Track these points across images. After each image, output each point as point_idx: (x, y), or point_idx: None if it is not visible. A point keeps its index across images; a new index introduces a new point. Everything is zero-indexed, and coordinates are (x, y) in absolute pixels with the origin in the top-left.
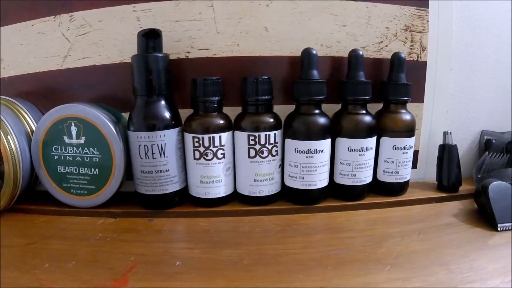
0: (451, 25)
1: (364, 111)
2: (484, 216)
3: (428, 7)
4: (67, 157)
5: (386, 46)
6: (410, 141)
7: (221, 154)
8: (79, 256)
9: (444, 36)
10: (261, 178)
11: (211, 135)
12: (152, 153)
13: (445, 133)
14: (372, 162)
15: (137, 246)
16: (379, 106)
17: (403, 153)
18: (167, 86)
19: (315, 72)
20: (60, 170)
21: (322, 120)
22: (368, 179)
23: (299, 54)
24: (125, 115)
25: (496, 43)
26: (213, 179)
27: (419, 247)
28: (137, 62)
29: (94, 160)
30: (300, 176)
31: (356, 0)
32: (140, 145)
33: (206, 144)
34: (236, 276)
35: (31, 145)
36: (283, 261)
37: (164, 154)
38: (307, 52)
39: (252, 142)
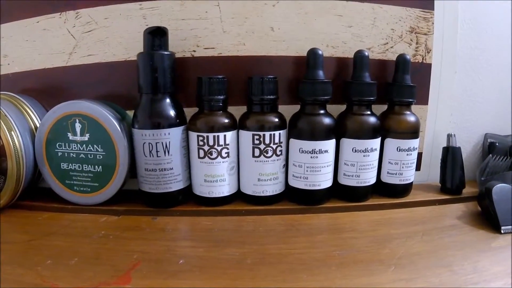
0: (456, 27)
1: (369, 112)
2: (488, 219)
3: (433, 9)
4: (71, 154)
5: (392, 47)
6: (414, 143)
7: (226, 153)
8: (81, 253)
9: (449, 39)
10: (265, 178)
11: (215, 134)
12: (157, 151)
13: (449, 135)
14: (376, 163)
15: (140, 244)
16: (384, 107)
17: (407, 154)
18: (172, 84)
19: (320, 72)
20: (63, 167)
21: (327, 121)
22: (372, 180)
23: (304, 54)
24: (130, 113)
25: (500, 46)
26: (217, 178)
27: (423, 249)
28: (143, 60)
29: (98, 158)
30: (304, 176)
31: (362, 1)
32: (144, 143)
33: (211, 143)
34: (239, 275)
35: (34, 141)
36: (286, 260)
37: (168, 152)
38: (312, 52)
39: (256, 142)
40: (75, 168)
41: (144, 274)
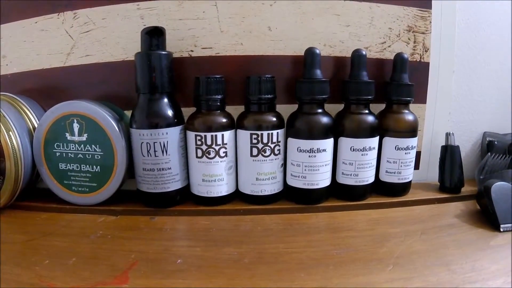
0: (454, 26)
1: (366, 111)
2: (487, 217)
3: (431, 8)
4: (69, 154)
5: (389, 46)
6: (412, 142)
7: (224, 152)
8: (79, 253)
9: (446, 38)
10: (264, 177)
11: (213, 133)
12: (154, 151)
13: (447, 134)
14: (374, 162)
15: (138, 244)
16: (382, 106)
17: (405, 153)
18: (170, 84)
19: (318, 72)
20: (61, 167)
21: (325, 120)
22: (371, 179)
23: (302, 53)
24: (128, 113)
25: (498, 45)
26: (215, 178)
27: (421, 247)
28: (141, 60)
29: (96, 158)
30: (303, 175)
31: (359, 1)
32: (142, 142)
33: (209, 142)
34: (237, 274)
35: (33, 142)
36: (284, 260)
37: (166, 152)
38: (310, 51)
39: (254, 141)
40: (73, 168)
41: (141, 274)
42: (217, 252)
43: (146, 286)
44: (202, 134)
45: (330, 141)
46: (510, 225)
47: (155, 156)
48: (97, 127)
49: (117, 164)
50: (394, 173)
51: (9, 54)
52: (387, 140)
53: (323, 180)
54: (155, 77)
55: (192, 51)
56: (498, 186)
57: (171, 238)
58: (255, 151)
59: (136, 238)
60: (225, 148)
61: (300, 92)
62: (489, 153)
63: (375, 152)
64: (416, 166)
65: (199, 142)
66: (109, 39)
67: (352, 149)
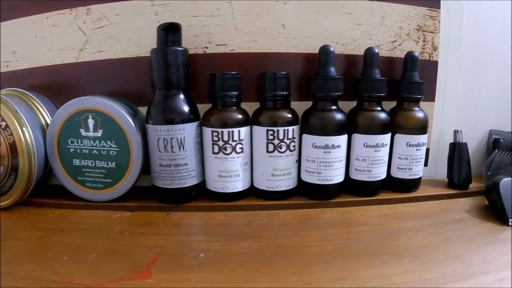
0: (461, 26)
1: (379, 108)
2: (495, 212)
3: (439, 8)
4: (83, 150)
5: (400, 45)
6: (423, 138)
7: (240, 148)
8: (98, 249)
9: (454, 37)
10: (279, 173)
11: (230, 130)
12: (172, 147)
13: (455, 132)
14: (386, 158)
15: (157, 239)
16: (392, 104)
17: (416, 150)
18: (186, 80)
19: (332, 69)
20: (75, 163)
21: (339, 116)
22: (383, 175)
23: (315, 51)
24: (141, 109)
25: (504, 44)
26: (232, 174)
27: (433, 241)
28: (157, 56)
29: (111, 154)
30: (317, 171)
31: (371, 0)
32: (159, 138)
33: (225, 138)
34: (258, 268)
35: (46, 137)
36: (302, 253)
37: (183, 147)
38: (324, 49)
39: (270, 137)
40: (87, 164)
41: (163, 269)
42: (236, 247)
43: (170, 280)
44: (219, 130)
45: (344, 137)
46: None
47: (172, 152)
48: (113, 123)
49: (132, 160)
50: (405, 169)
51: (19, 49)
52: (398, 137)
53: (337, 176)
54: (171, 73)
55: (206, 47)
56: (506, 182)
57: (189, 233)
58: (271, 147)
59: (154, 234)
60: (241, 144)
61: (315, 89)
62: (496, 150)
63: (387, 148)
64: (425, 163)
65: (215, 138)
66: (122, 35)
67: (365, 146)
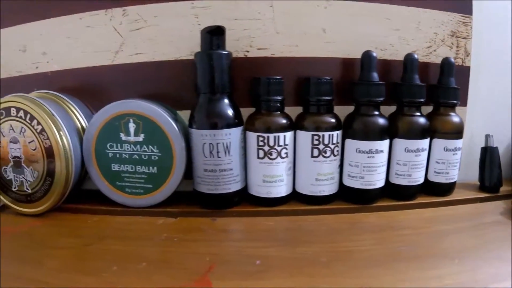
0: (493, 31)
1: (418, 113)
2: None
3: (471, 14)
4: (123, 154)
5: (435, 50)
6: (459, 143)
7: (285, 153)
8: (148, 257)
9: (486, 42)
10: (323, 178)
11: (276, 134)
12: (217, 152)
13: (487, 136)
14: (425, 163)
15: (208, 246)
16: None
17: (453, 154)
18: (230, 84)
19: (374, 74)
20: (114, 168)
21: (382, 121)
22: (421, 179)
23: (354, 56)
24: (180, 113)
25: None
26: (276, 178)
27: (476, 242)
28: (202, 59)
29: (153, 158)
30: (361, 176)
31: (408, 6)
32: (204, 143)
33: (271, 143)
34: (316, 273)
35: (82, 142)
36: (357, 257)
37: (229, 152)
38: (367, 54)
39: (316, 142)
40: (127, 169)
41: (221, 276)
42: (291, 252)
43: None
44: (265, 135)
45: (387, 142)
46: None
47: (218, 156)
48: (155, 128)
49: (175, 165)
50: (442, 173)
51: (49, 51)
52: (436, 142)
53: (379, 180)
54: (216, 77)
55: (247, 51)
56: None
57: (239, 239)
58: (316, 152)
59: (203, 240)
60: (286, 149)
61: (358, 94)
62: None
63: (426, 153)
64: None
65: (261, 143)
66: (161, 37)
67: (406, 150)
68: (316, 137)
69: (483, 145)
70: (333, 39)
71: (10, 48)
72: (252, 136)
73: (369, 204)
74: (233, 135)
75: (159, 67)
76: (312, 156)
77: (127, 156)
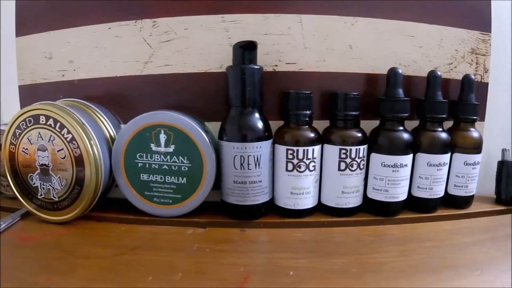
0: (510, 48)
1: (441, 129)
2: None
3: (490, 32)
4: (153, 165)
5: (455, 67)
6: (478, 157)
7: (313, 166)
8: (182, 268)
9: (504, 60)
10: (349, 191)
11: (305, 148)
12: (248, 164)
13: (503, 150)
14: (446, 176)
15: (240, 257)
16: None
17: (472, 168)
18: (261, 98)
19: (400, 91)
20: (143, 178)
21: (406, 136)
22: (442, 192)
23: (379, 72)
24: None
25: None
26: (304, 191)
27: (496, 254)
28: (234, 73)
29: (182, 169)
30: (385, 189)
31: (430, 24)
32: (235, 155)
33: (300, 157)
34: (349, 284)
35: (111, 151)
36: (386, 268)
37: (259, 165)
38: (393, 71)
39: (343, 156)
40: (156, 179)
41: (258, 287)
42: (322, 263)
43: None
44: (294, 148)
45: (410, 156)
46: None
47: (248, 169)
48: (186, 139)
49: (205, 176)
50: (462, 186)
51: (77, 59)
52: (457, 156)
53: (402, 193)
54: (248, 91)
55: (276, 65)
56: None
57: (270, 250)
58: (343, 166)
59: (235, 251)
60: (314, 162)
61: (383, 109)
62: None
63: (447, 167)
64: None
65: (290, 156)
66: (191, 49)
67: (428, 164)
68: (343, 151)
69: (499, 159)
70: (359, 55)
71: (36, 55)
72: (281, 149)
73: (392, 217)
74: (263, 148)
75: (189, 79)
76: (339, 170)
77: (156, 166)
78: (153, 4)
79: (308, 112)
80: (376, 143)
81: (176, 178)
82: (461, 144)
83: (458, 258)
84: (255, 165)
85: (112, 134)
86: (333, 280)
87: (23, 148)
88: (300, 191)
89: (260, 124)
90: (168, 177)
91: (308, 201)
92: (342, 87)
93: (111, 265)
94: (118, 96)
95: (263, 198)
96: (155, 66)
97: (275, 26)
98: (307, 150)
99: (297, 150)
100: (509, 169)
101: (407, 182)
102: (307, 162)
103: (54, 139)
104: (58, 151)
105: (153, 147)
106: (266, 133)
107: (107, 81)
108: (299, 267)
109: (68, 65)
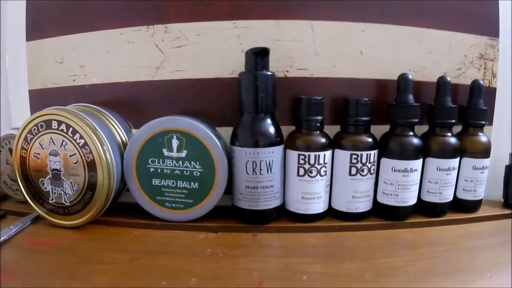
0: None
1: (450, 134)
2: None
3: (498, 37)
4: (165, 170)
5: (464, 72)
6: (487, 162)
7: (324, 171)
8: (196, 273)
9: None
10: (360, 195)
11: (316, 153)
12: (260, 169)
13: (511, 155)
14: (455, 181)
15: (253, 261)
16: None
17: (481, 172)
18: (273, 104)
19: (410, 96)
20: (155, 183)
21: (416, 141)
22: (451, 196)
23: (389, 77)
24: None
25: None
26: (315, 195)
27: (506, 258)
28: (247, 79)
29: (194, 174)
30: (395, 194)
31: (439, 29)
32: (248, 161)
33: (312, 161)
34: None
35: (123, 156)
36: (400, 273)
37: (271, 170)
38: (404, 77)
39: (354, 161)
40: (168, 184)
41: None
42: (336, 268)
43: None
44: (306, 153)
45: (420, 161)
46: None
47: (260, 174)
48: (199, 144)
49: (217, 181)
50: (470, 191)
51: (88, 64)
52: (466, 161)
53: (412, 198)
54: (261, 97)
55: (287, 71)
56: None
57: (282, 255)
58: (353, 170)
59: (248, 256)
60: (325, 167)
61: (394, 115)
62: None
63: (456, 171)
64: None
65: (302, 161)
66: (203, 55)
67: (438, 169)
68: (354, 156)
69: (507, 163)
70: (370, 61)
71: (47, 60)
72: (293, 154)
73: (402, 221)
74: (275, 153)
75: (201, 84)
76: (350, 174)
77: (168, 171)
78: (165, 10)
79: (319, 117)
80: (387, 148)
81: (188, 183)
82: (470, 148)
83: (469, 262)
84: (267, 170)
85: (123, 139)
86: (348, 285)
87: (35, 153)
88: (311, 196)
89: (272, 130)
90: (180, 182)
91: (319, 206)
92: (353, 93)
93: (127, 270)
94: (129, 101)
95: (275, 203)
96: (166, 72)
97: (286, 32)
98: (319, 155)
99: (309, 155)
100: None
101: (417, 186)
102: (319, 167)
103: (66, 144)
104: (70, 156)
105: (165, 152)
106: (278, 139)
107: (118, 87)
108: (313, 272)
109: (79, 70)
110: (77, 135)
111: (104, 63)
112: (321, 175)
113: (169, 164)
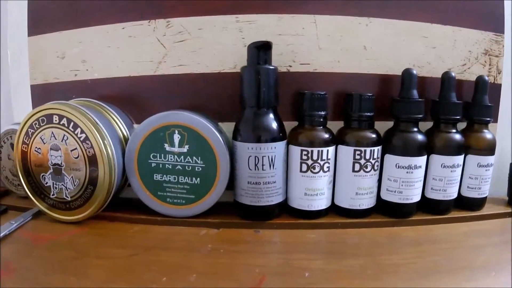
0: None
1: (454, 130)
2: None
3: (503, 33)
4: (166, 165)
5: (469, 68)
6: (491, 159)
7: (327, 167)
8: (196, 269)
9: None
10: (363, 192)
11: (319, 149)
12: (262, 165)
13: None
14: (459, 178)
15: (255, 258)
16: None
17: (486, 170)
18: (275, 99)
19: (414, 92)
20: (156, 178)
21: (420, 137)
22: (455, 194)
23: (393, 73)
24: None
25: None
26: (317, 192)
27: (510, 256)
28: (249, 74)
29: (196, 170)
30: (399, 191)
31: (444, 24)
32: (250, 156)
33: (315, 157)
34: (366, 285)
35: (125, 151)
36: (402, 270)
37: (273, 165)
38: (408, 72)
39: (357, 157)
40: (169, 179)
41: None
42: (338, 265)
43: None
44: (309, 149)
45: (424, 158)
46: None
47: (262, 169)
48: (200, 139)
49: (219, 176)
50: (475, 188)
51: (90, 59)
52: (470, 158)
53: (416, 195)
54: (263, 91)
55: (290, 66)
56: None
57: (284, 251)
58: (357, 167)
59: (250, 252)
60: (328, 163)
61: (398, 110)
62: None
63: (461, 168)
64: None
65: (304, 157)
66: (205, 50)
67: (442, 166)
68: (358, 152)
69: None
70: (373, 56)
71: (49, 55)
72: (295, 150)
73: (405, 218)
74: (278, 148)
75: (202, 79)
76: (354, 171)
77: (170, 167)
78: (167, 4)
79: (322, 113)
80: (391, 144)
81: (189, 178)
82: (475, 145)
83: (472, 260)
84: (270, 166)
85: (125, 134)
86: (350, 281)
87: (36, 147)
88: (314, 192)
89: (274, 125)
90: (181, 178)
91: (322, 202)
92: (357, 88)
93: (126, 265)
94: (131, 96)
95: (277, 199)
96: (168, 66)
97: (289, 26)
98: (322, 151)
99: (312, 151)
100: None
101: (421, 183)
102: (321, 163)
103: (67, 139)
104: (71, 150)
105: (167, 147)
106: (281, 134)
107: (120, 81)
108: (315, 268)
109: (81, 65)
110: (78, 130)
111: (106, 58)
112: (324, 171)
113: (171, 159)
